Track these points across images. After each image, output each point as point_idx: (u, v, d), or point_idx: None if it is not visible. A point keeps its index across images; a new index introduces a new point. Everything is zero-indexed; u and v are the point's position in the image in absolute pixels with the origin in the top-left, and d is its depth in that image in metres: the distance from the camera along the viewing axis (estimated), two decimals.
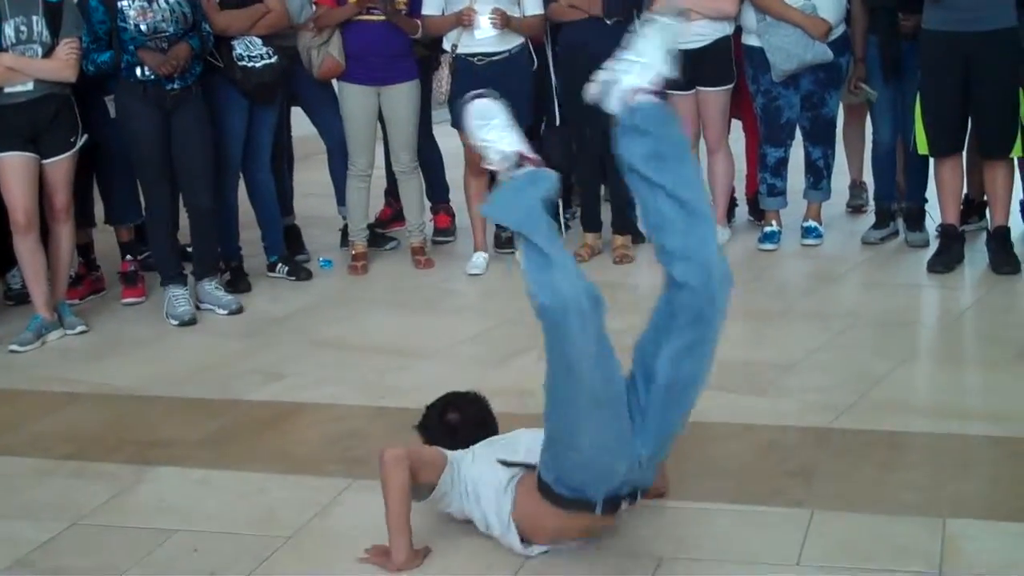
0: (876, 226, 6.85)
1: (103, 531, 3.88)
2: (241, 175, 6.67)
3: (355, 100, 6.72)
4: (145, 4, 5.89)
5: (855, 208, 7.49)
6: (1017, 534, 3.49)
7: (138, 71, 5.90)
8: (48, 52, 5.74)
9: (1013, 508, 3.64)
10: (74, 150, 5.88)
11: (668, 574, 3.37)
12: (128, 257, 6.59)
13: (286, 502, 3.98)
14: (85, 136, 5.94)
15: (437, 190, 7.51)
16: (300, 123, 7.41)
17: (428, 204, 7.42)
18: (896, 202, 6.99)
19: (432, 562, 3.51)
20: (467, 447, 3.65)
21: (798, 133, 6.87)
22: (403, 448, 3.50)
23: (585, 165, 6.88)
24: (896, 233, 6.88)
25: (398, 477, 3.42)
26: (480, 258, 6.77)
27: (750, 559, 3.44)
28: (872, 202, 7.17)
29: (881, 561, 3.38)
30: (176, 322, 6.07)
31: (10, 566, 3.66)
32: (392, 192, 7.51)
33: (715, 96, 6.76)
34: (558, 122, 6.86)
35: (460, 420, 3.80)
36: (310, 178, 7.97)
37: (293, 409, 4.86)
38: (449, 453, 3.56)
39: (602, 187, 7.19)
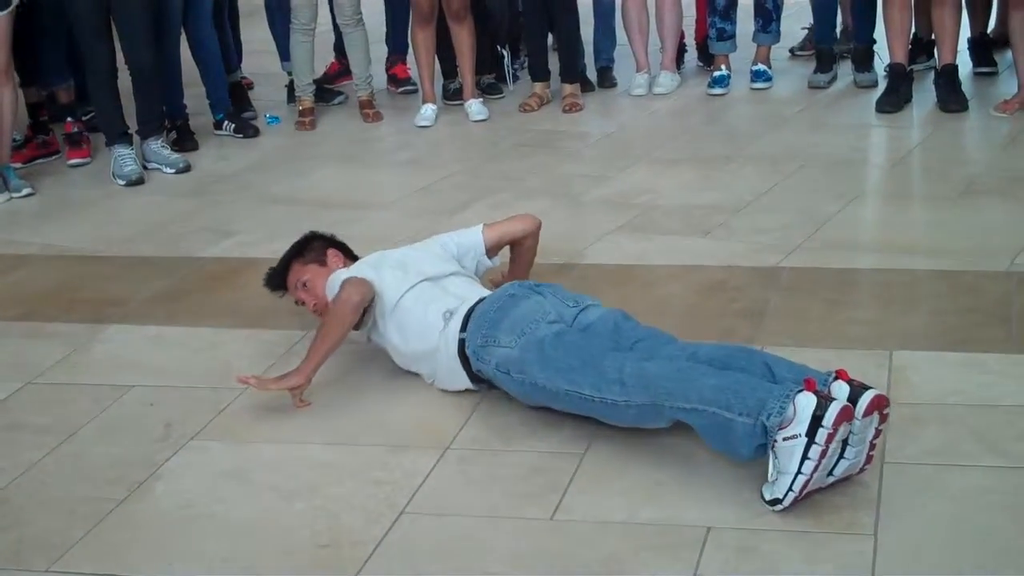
0: (819, 70, 6.82)
1: (59, 389, 3.89)
2: (183, 31, 6.55)
3: None
4: None
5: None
6: (961, 364, 3.56)
7: None
8: None
9: (957, 339, 3.70)
10: (10, 8, 5.74)
11: None
12: (70, 119, 6.50)
13: (240, 355, 4.00)
14: None
15: (399, 41, 7.43)
16: None
17: (386, 55, 7.37)
18: (838, 44, 6.96)
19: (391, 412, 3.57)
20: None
21: None
22: (360, 294, 3.57)
23: (531, 14, 6.81)
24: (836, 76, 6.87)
25: (346, 325, 3.57)
26: (429, 110, 6.72)
27: None
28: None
29: None
30: (123, 182, 6.02)
31: None
32: (341, 47, 7.40)
33: None
34: None
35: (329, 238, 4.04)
36: (255, 35, 7.84)
37: (245, 265, 4.84)
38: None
39: (550, 36, 7.13)
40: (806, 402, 2.83)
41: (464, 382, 3.57)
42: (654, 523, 2.92)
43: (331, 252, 3.97)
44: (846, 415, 2.82)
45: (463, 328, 3.51)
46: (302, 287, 3.90)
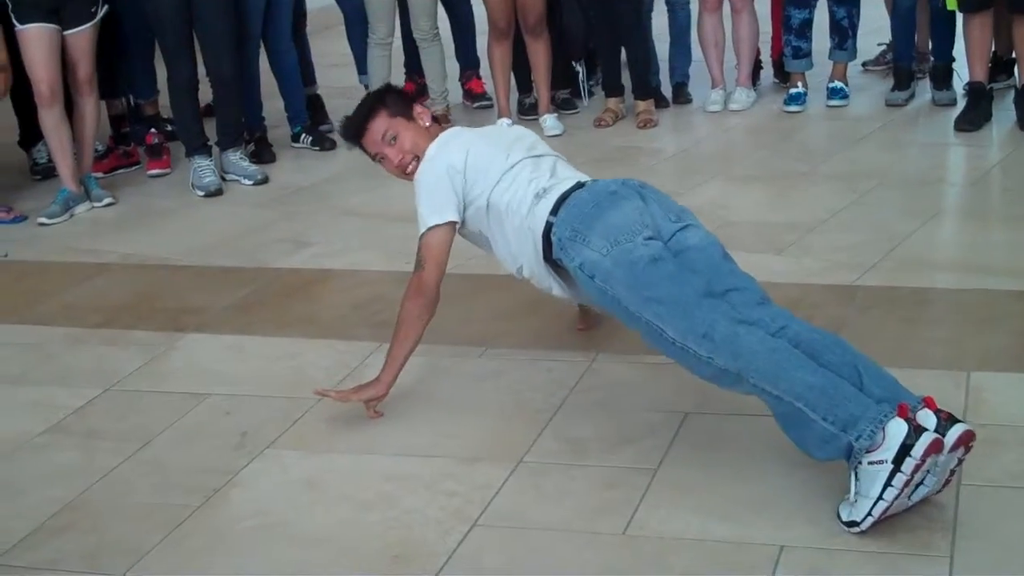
0: (897, 87, 6.76)
1: (136, 396, 3.95)
2: (262, 44, 6.63)
3: None
4: None
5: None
6: None
7: None
8: None
9: None
10: (95, 20, 5.85)
11: (693, 428, 3.41)
12: (153, 130, 6.61)
13: (316, 366, 4.03)
14: (106, 7, 5.91)
15: (469, 55, 7.47)
16: None
17: (459, 70, 7.40)
18: (915, 62, 6.89)
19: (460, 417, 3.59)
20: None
21: None
22: (432, 291, 3.61)
23: (601, 31, 6.82)
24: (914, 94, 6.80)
25: (422, 325, 3.58)
26: (504, 124, 6.73)
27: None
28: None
29: None
30: (202, 193, 6.10)
31: (45, 431, 3.73)
32: (411, 66, 7.45)
33: None
34: None
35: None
36: (332, 48, 7.91)
37: (321, 276, 4.90)
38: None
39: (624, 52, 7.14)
40: (897, 429, 2.78)
41: (543, 271, 3.53)
42: (727, 540, 2.91)
43: (417, 107, 3.87)
44: (936, 447, 2.77)
45: (554, 212, 3.44)
46: (390, 141, 3.81)
